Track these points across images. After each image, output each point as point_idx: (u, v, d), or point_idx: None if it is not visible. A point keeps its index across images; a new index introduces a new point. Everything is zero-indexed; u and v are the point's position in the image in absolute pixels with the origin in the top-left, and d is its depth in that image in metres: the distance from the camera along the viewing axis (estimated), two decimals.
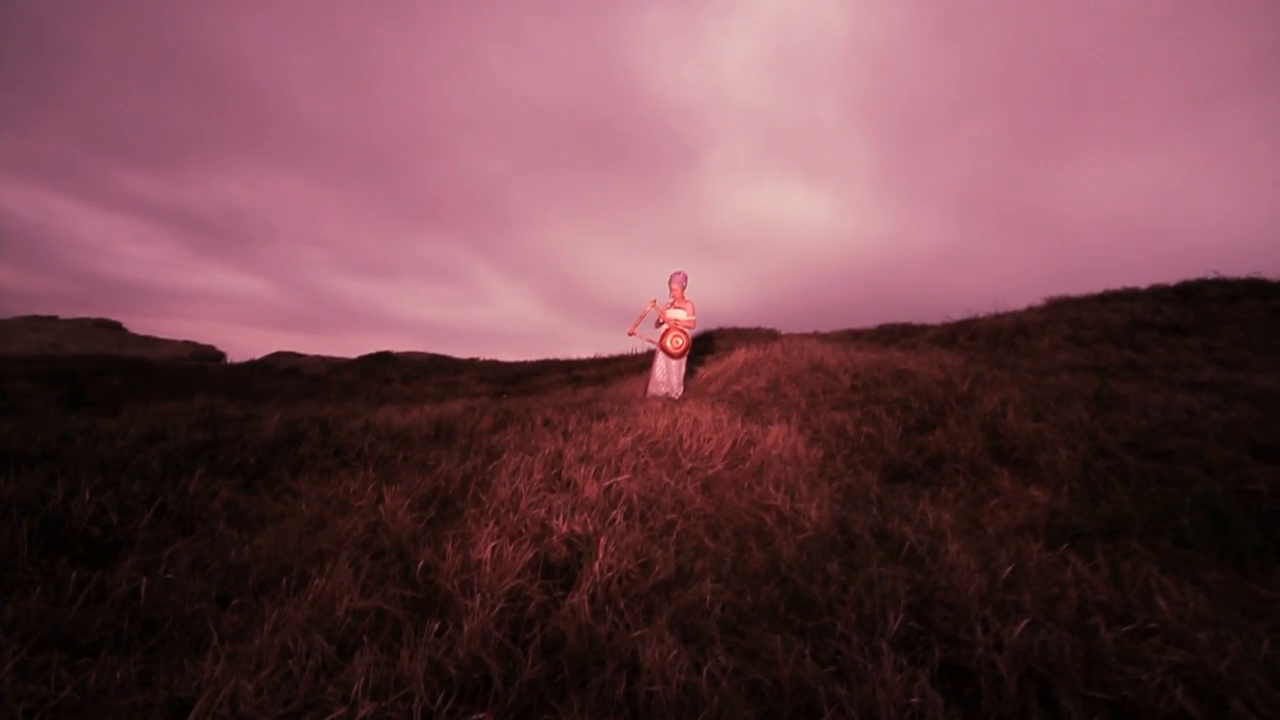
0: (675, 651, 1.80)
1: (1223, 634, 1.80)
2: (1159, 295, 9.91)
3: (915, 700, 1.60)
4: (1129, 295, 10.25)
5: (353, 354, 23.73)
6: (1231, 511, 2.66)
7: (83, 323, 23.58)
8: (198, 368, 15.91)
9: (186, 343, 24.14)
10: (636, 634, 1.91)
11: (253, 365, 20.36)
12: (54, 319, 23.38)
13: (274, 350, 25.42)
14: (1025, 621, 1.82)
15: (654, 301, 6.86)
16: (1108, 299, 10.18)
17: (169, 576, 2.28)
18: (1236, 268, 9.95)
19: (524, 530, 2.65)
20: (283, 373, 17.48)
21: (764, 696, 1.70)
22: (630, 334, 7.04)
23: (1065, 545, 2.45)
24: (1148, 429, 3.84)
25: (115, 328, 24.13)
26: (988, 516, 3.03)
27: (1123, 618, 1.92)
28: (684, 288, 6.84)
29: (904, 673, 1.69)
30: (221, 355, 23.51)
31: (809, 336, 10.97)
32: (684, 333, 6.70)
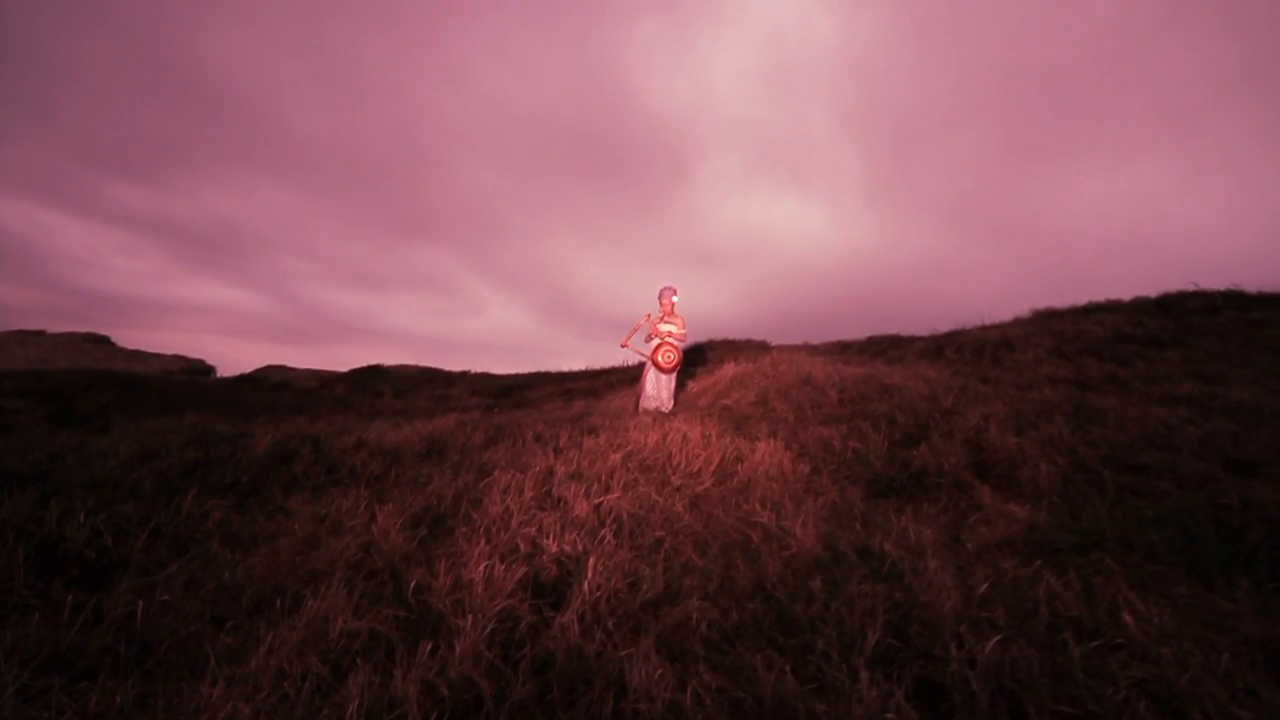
0: (661, 670, 1.86)
1: (1185, 648, 1.87)
2: (1140, 307, 10.10)
3: (891, 716, 1.67)
4: (1111, 307, 10.46)
5: (344, 367, 23.62)
6: (1200, 526, 2.75)
7: (71, 337, 23.35)
8: (188, 382, 15.82)
9: (176, 356, 23.93)
10: (624, 653, 1.97)
11: (243, 379, 20.23)
12: (42, 333, 23.14)
13: (265, 363, 25.26)
14: (998, 638, 1.89)
15: (648, 315, 6.96)
16: (1091, 311, 10.38)
17: (164, 598, 2.31)
18: (1217, 279, 10.22)
19: (515, 549, 2.70)
20: (274, 387, 17.40)
21: (746, 714, 1.76)
22: (622, 345, 7.14)
23: (1040, 561, 2.53)
24: (1125, 443, 3.95)
25: (104, 341, 23.91)
26: (968, 532, 3.11)
27: (1092, 633, 2.00)
28: (674, 302, 6.94)
29: (881, 689, 1.75)
30: (211, 369, 23.33)
31: (799, 349, 11.09)
32: (675, 347, 6.79)
